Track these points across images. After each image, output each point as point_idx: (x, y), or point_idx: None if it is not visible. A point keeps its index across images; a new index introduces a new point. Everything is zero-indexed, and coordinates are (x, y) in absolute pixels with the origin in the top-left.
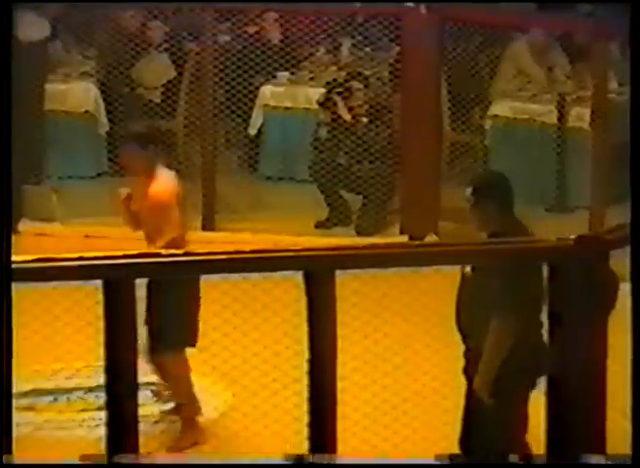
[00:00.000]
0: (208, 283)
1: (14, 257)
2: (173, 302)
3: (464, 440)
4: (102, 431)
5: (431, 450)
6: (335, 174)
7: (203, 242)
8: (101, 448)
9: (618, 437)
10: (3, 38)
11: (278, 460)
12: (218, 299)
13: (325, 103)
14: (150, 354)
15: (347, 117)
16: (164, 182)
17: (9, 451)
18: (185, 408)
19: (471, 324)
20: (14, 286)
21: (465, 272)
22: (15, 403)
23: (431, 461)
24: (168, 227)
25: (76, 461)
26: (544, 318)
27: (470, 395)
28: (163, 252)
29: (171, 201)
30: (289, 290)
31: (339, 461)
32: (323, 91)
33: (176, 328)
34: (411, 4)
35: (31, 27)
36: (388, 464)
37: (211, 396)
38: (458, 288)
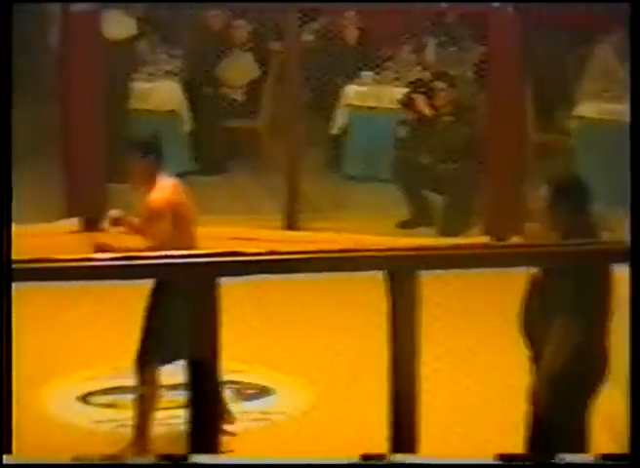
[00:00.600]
0: (290, 282)
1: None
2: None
3: (530, 441)
4: (183, 429)
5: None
6: (417, 173)
7: (286, 241)
8: (182, 445)
9: None
10: (3, 38)
11: (356, 461)
12: (299, 298)
13: (407, 103)
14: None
15: (430, 115)
16: (159, 192)
17: (9, 451)
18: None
19: (539, 328)
20: (95, 282)
21: (534, 274)
22: (97, 399)
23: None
24: (150, 235)
25: (152, 460)
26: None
27: (535, 398)
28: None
29: (160, 211)
30: (371, 289)
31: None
32: (407, 90)
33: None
34: (497, 4)
35: (118, 26)
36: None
37: (293, 395)
38: (525, 291)
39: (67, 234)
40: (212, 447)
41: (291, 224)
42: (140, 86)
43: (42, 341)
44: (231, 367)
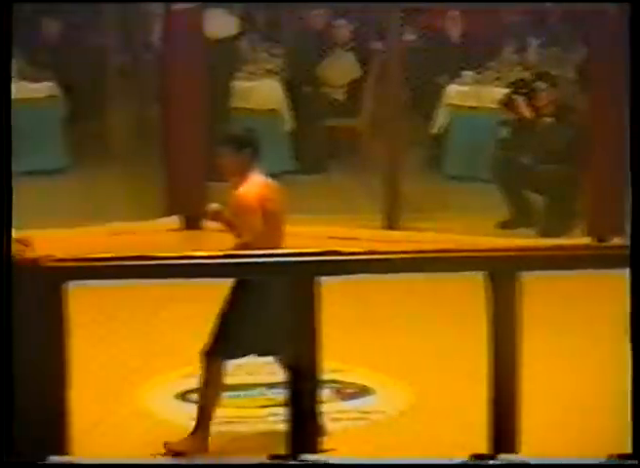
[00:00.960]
0: (390, 282)
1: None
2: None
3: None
4: (283, 427)
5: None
6: (518, 174)
7: (385, 241)
8: (282, 444)
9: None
10: (3, 38)
11: (464, 460)
12: (400, 298)
13: (507, 103)
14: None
15: (530, 117)
16: (249, 186)
17: (9, 451)
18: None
19: None
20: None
21: None
22: (195, 397)
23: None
24: (244, 231)
25: (260, 459)
26: None
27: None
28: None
29: (251, 205)
30: (471, 290)
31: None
32: (508, 90)
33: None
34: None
35: (219, 25)
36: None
37: (392, 394)
38: None
39: (167, 232)
40: (311, 445)
41: (390, 224)
42: (240, 84)
43: (141, 339)
44: (331, 366)
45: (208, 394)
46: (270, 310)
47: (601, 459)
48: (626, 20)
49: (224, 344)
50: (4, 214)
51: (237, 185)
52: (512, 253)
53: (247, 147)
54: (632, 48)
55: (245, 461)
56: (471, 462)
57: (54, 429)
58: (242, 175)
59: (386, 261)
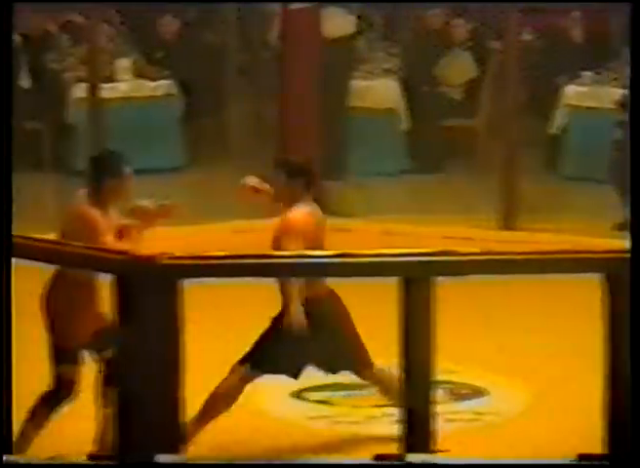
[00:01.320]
0: (506, 282)
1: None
2: None
3: None
4: (396, 427)
5: None
6: None
7: (502, 241)
8: (395, 444)
9: None
10: (3, 38)
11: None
12: (514, 299)
13: (624, 104)
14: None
15: None
16: (294, 214)
17: (9, 451)
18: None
19: None
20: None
21: None
22: (311, 396)
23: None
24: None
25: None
26: None
27: None
28: None
29: (295, 231)
30: (586, 291)
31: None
32: (625, 91)
33: None
34: None
35: (337, 24)
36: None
37: (506, 395)
38: None
39: None
40: (425, 446)
41: (507, 224)
42: (358, 84)
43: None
44: (445, 367)
45: (218, 399)
46: (324, 330)
47: None
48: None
49: (258, 357)
50: (4, 214)
51: (287, 209)
52: (628, 255)
53: (300, 177)
54: (632, 48)
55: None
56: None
57: (167, 427)
58: (292, 201)
59: (502, 262)
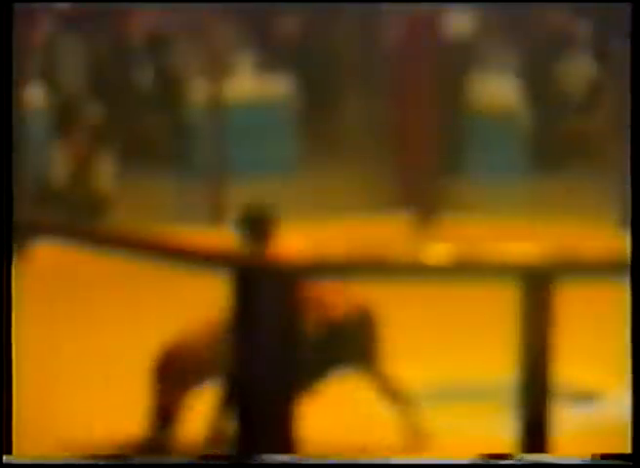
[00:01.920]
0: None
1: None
2: None
3: None
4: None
5: None
6: None
7: (619, 244)
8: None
9: None
10: (3, 38)
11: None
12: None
13: None
14: None
15: None
16: None
17: (9, 451)
18: None
19: None
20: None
21: None
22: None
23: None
24: None
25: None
26: None
27: None
28: None
29: None
30: None
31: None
32: None
33: None
34: None
35: (457, 24)
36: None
37: (621, 399)
38: None
39: (401, 225)
40: (538, 446)
41: (624, 227)
42: (477, 83)
43: None
44: (562, 369)
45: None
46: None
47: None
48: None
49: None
50: (4, 212)
51: None
52: None
53: None
54: (632, 48)
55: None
56: (477, 462)
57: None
58: None
59: (619, 264)
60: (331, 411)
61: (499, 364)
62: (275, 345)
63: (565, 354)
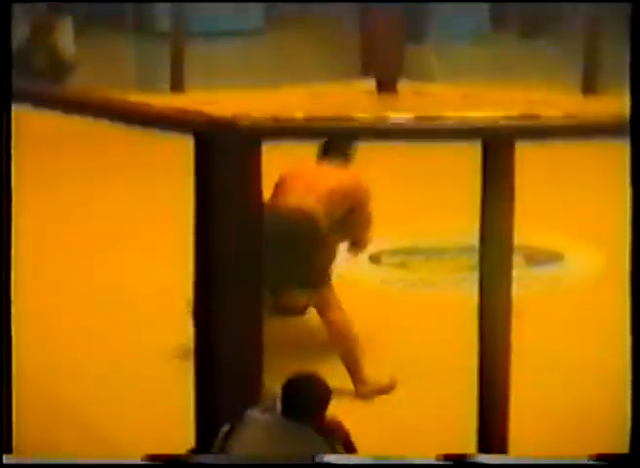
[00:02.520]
0: (587, 146)
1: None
2: None
3: None
4: (474, 289)
5: None
6: None
7: (583, 105)
8: (472, 305)
9: None
10: (3, 38)
11: None
12: (593, 162)
13: None
14: None
15: None
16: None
17: (9, 451)
18: None
19: None
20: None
21: None
22: (388, 259)
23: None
24: None
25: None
26: None
27: None
28: None
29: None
30: None
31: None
32: None
33: None
34: None
35: None
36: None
37: (585, 260)
38: None
39: (362, 93)
40: (500, 308)
41: (588, 89)
42: None
43: None
44: (524, 231)
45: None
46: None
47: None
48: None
49: None
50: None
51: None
52: None
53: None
54: (632, 47)
55: None
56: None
57: None
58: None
59: (583, 126)
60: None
61: (462, 226)
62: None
63: (527, 217)
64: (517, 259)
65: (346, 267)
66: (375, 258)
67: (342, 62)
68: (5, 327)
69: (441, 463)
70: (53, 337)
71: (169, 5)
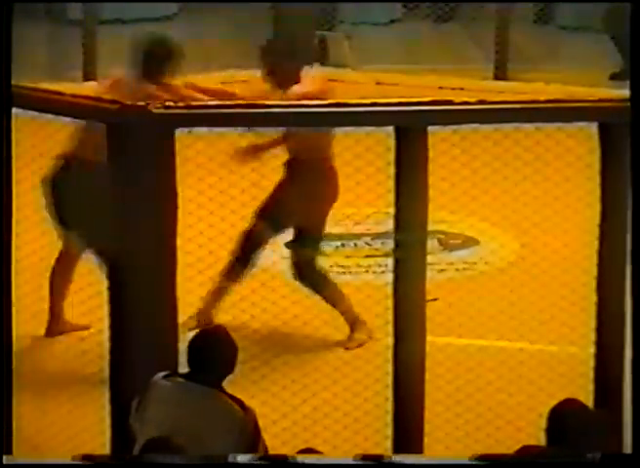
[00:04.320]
0: (499, 132)
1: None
2: None
3: None
4: (388, 277)
5: None
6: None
7: (494, 91)
8: (387, 292)
9: None
10: (3, 38)
11: None
12: (508, 149)
13: None
14: None
15: None
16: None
17: (9, 452)
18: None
19: None
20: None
21: None
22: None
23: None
24: None
25: None
26: None
27: None
28: None
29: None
30: (581, 140)
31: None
32: None
33: None
34: None
35: None
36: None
37: (499, 246)
38: None
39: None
40: (414, 293)
41: (500, 75)
42: None
43: (252, 188)
44: (438, 216)
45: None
46: None
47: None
48: None
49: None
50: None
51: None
52: (624, 104)
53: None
54: (632, 47)
55: None
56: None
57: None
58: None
59: (495, 112)
60: None
61: (376, 212)
62: (154, 200)
63: (441, 202)
64: (433, 244)
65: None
66: (289, 245)
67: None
68: (5, 328)
69: (438, 463)
70: None
71: None
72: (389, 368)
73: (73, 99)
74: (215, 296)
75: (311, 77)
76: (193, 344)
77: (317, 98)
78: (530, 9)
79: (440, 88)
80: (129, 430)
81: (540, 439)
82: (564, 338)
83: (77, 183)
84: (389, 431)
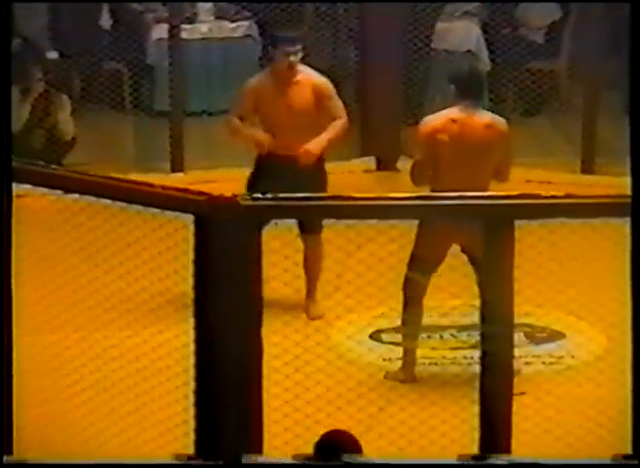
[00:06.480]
0: (586, 225)
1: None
2: None
3: None
4: (475, 369)
5: None
6: None
7: (582, 185)
8: (474, 385)
9: None
10: (3, 37)
11: None
12: (596, 242)
13: None
14: None
15: None
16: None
17: (9, 452)
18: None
19: None
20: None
21: None
22: (388, 337)
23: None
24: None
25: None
26: None
27: None
28: None
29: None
30: None
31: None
32: None
33: None
34: None
35: None
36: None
37: (586, 339)
38: None
39: (362, 173)
40: (501, 387)
41: (587, 168)
42: (438, 25)
43: (337, 279)
44: (524, 310)
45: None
46: None
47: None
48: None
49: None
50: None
51: None
52: None
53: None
54: (632, 47)
55: None
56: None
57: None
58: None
59: (583, 206)
60: None
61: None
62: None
63: (527, 295)
64: (519, 337)
65: (347, 345)
66: (376, 337)
67: (343, 145)
68: (6, 328)
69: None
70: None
71: (167, 83)
72: None
73: (162, 191)
74: None
75: None
76: None
77: None
78: (618, 99)
79: (527, 181)
80: None
81: None
82: None
83: None
84: None
